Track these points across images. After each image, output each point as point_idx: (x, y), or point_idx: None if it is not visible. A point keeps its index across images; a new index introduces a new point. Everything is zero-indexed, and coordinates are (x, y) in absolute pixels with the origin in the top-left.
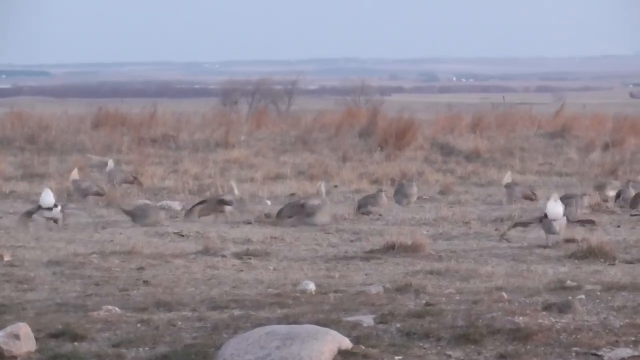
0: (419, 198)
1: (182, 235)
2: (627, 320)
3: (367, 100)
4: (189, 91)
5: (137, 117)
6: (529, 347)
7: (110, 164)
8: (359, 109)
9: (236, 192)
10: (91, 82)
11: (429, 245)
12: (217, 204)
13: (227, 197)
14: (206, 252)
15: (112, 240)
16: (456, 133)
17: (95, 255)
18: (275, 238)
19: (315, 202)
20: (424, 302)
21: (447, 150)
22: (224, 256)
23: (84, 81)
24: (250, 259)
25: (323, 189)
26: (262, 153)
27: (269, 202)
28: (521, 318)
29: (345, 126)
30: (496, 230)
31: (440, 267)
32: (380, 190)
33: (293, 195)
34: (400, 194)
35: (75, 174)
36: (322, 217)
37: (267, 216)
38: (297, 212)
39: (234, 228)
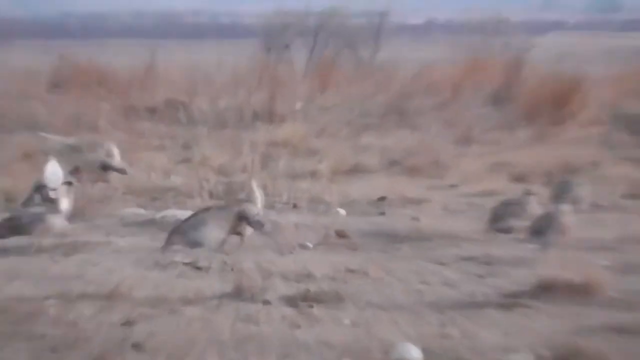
0: (592, 205)
1: (199, 268)
2: None
3: (506, 45)
4: (209, 28)
5: (123, 73)
6: None
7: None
8: (491, 59)
9: (258, 199)
10: (48, 14)
11: (609, 283)
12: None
13: (249, 208)
14: (238, 294)
15: (80, 275)
16: None
17: (52, 301)
18: (352, 271)
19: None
20: None
21: (638, 126)
22: (267, 302)
23: (35, 13)
24: (312, 306)
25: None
26: (329, 131)
27: (341, 211)
28: None
29: (467, 87)
30: None
31: (629, 320)
32: (528, 193)
33: (383, 199)
34: (562, 199)
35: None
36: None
37: (340, 234)
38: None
39: (283, 254)
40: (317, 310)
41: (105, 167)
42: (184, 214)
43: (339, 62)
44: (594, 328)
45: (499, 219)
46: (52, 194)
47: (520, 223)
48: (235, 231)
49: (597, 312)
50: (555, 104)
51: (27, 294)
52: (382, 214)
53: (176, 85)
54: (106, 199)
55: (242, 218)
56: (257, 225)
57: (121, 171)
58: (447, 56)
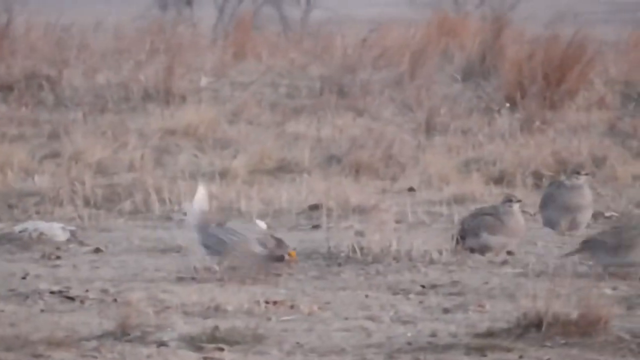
0: (595, 216)
1: (72, 298)
2: None
3: (481, 1)
4: None
5: None
6: None
7: None
8: (463, 19)
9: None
10: None
11: (616, 318)
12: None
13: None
14: (123, 333)
15: None
16: None
17: None
18: (276, 303)
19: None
20: None
21: None
22: (162, 344)
23: None
24: (221, 349)
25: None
26: (247, 115)
27: (261, 224)
28: None
29: (431, 55)
30: None
31: None
32: (510, 200)
33: (317, 207)
34: (554, 208)
35: None
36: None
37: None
38: None
39: (183, 281)
40: (228, 354)
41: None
42: (50, 226)
43: (260, 23)
44: None
45: (471, 234)
46: None
47: (499, 240)
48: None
49: (599, 356)
50: (547, 81)
51: None
52: (317, 227)
53: (40, 54)
54: None
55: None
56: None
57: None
58: (405, 15)
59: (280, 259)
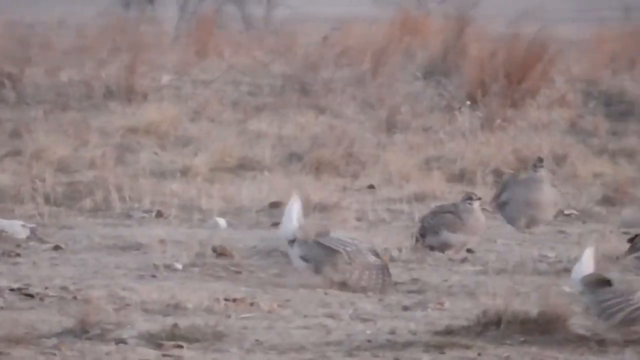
0: (557, 214)
1: (31, 296)
2: None
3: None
4: None
5: None
6: None
7: None
8: (426, 17)
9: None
10: None
11: (575, 316)
12: None
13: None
14: (83, 331)
15: None
16: None
17: None
18: (236, 301)
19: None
20: None
21: (619, 107)
22: (121, 341)
23: None
24: (181, 346)
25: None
26: (208, 113)
27: (222, 222)
28: None
29: (393, 54)
30: None
31: None
32: (470, 198)
33: (278, 205)
34: (515, 206)
35: None
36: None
37: (220, 252)
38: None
39: (143, 279)
40: (187, 352)
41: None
42: (11, 224)
43: (222, 21)
44: None
45: (431, 232)
46: None
47: (458, 238)
48: None
49: (558, 354)
50: (508, 79)
51: None
52: (277, 225)
53: (2, 51)
54: None
55: None
56: None
57: None
58: (367, 13)
59: None
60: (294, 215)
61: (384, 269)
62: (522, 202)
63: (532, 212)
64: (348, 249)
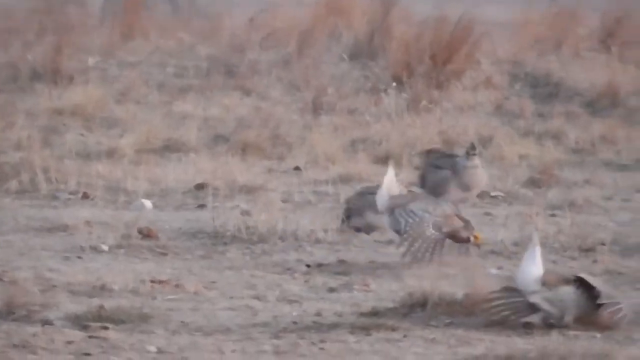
0: (481, 195)
1: None
2: None
3: None
4: None
5: None
6: None
7: None
8: None
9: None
10: None
11: None
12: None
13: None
14: (9, 312)
15: None
16: (566, 52)
17: None
18: (162, 282)
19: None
20: None
21: (545, 89)
22: (47, 322)
23: None
24: (106, 327)
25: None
26: (134, 95)
27: (147, 203)
28: None
29: (319, 35)
30: None
31: (527, 347)
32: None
33: (203, 187)
34: (440, 186)
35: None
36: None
37: (145, 234)
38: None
39: (70, 261)
40: (113, 333)
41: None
42: None
43: (148, 3)
44: (480, 357)
45: (357, 213)
46: None
47: (384, 219)
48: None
49: (485, 335)
50: (434, 61)
51: None
52: (203, 206)
53: None
54: None
55: None
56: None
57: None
58: None
59: (466, 240)
60: (387, 186)
61: (442, 242)
62: (456, 188)
63: (464, 198)
64: (410, 220)
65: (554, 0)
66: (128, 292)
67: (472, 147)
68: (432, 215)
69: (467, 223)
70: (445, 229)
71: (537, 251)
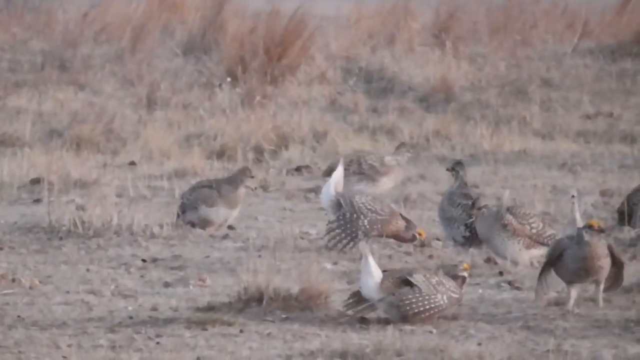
0: (310, 189)
1: None
2: None
3: None
4: None
5: None
6: None
7: None
8: None
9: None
10: None
11: (336, 293)
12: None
13: None
14: None
15: None
16: (400, 47)
17: None
18: None
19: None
20: None
21: (379, 85)
22: None
23: None
24: None
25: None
26: None
27: None
28: None
29: (152, 30)
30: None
31: (363, 342)
32: (245, 172)
33: (38, 181)
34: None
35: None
36: None
37: None
38: None
39: None
40: None
41: None
42: None
43: None
44: (316, 352)
45: (191, 208)
46: None
47: (219, 213)
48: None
49: (320, 330)
50: (268, 55)
51: None
52: (38, 201)
53: None
54: None
55: None
56: None
57: None
58: None
59: (412, 239)
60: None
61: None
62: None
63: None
64: (348, 211)
65: None
66: None
67: (402, 144)
68: (375, 213)
69: (409, 222)
70: (390, 228)
71: (371, 261)
